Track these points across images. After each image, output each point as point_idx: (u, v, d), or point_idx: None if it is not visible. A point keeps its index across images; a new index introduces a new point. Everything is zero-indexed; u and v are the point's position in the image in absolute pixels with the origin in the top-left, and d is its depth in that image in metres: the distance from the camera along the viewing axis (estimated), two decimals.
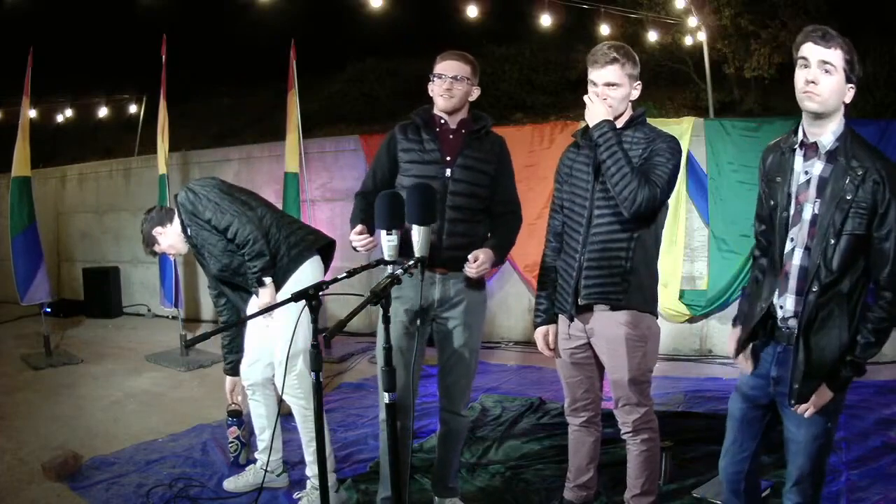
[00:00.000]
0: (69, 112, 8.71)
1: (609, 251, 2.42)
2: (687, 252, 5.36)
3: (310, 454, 3.01)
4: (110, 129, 10.44)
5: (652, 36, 7.62)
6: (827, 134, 1.96)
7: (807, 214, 2.00)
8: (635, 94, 2.44)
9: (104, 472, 3.38)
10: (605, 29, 6.94)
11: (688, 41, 7.46)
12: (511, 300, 5.99)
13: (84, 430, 3.99)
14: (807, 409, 2.00)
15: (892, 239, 1.90)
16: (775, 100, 7.72)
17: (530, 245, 5.55)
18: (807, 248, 2.00)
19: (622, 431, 2.59)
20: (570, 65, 9.25)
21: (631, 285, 2.42)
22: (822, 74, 1.92)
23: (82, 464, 3.44)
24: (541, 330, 2.68)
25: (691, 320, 5.33)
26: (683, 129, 5.19)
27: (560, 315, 2.62)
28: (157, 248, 3.22)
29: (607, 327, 2.48)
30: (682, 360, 5.25)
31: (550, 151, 5.60)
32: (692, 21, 7.00)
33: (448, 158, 2.62)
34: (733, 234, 5.11)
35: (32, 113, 6.24)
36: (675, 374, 4.82)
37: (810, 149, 2.00)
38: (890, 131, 4.81)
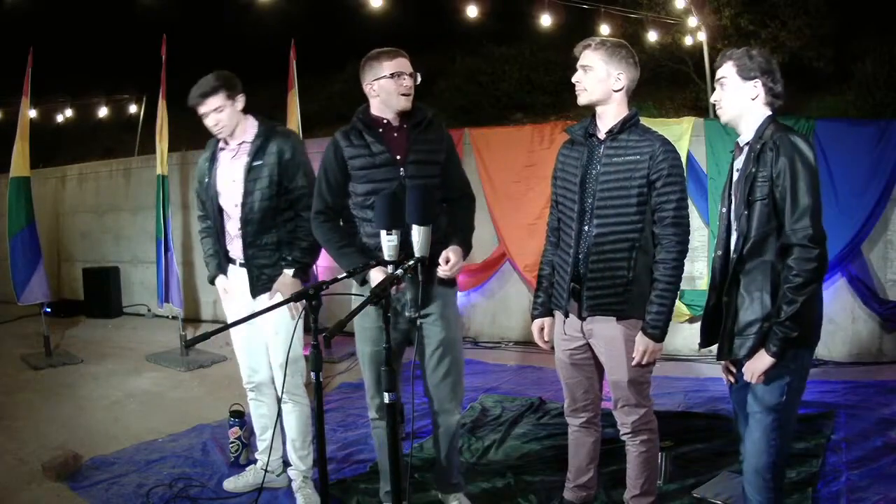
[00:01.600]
0: (69, 112, 8.71)
1: (611, 261, 2.42)
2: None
3: (304, 448, 3.03)
4: (110, 129, 10.43)
5: (652, 36, 7.61)
6: (747, 132, 2.21)
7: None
8: (616, 83, 2.40)
9: (104, 472, 3.38)
10: (605, 29, 6.93)
11: (688, 41, 7.46)
12: (511, 300, 5.99)
13: (84, 430, 3.99)
14: (751, 375, 2.14)
15: (787, 199, 2.05)
16: None
17: (530, 245, 5.57)
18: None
19: (621, 432, 2.59)
20: (570, 65, 9.18)
21: (633, 294, 2.42)
22: (719, 90, 2.23)
23: (82, 464, 3.44)
24: (536, 323, 2.71)
25: (691, 320, 5.32)
26: (683, 129, 5.18)
27: (556, 311, 2.63)
28: (206, 105, 2.88)
29: (605, 328, 2.48)
30: (682, 360, 5.25)
31: (550, 151, 5.60)
32: (692, 21, 7.00)
33: (398, 157, 2.58)
34: None
35: (33, 113, 6.24)
36: (675, 373, 4.83)
37: (737, 148, 2.26)
38: (890, 131, 4.81)
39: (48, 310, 5.91)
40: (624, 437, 2.59)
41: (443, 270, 2.55)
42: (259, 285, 2.95)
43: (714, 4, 7.42)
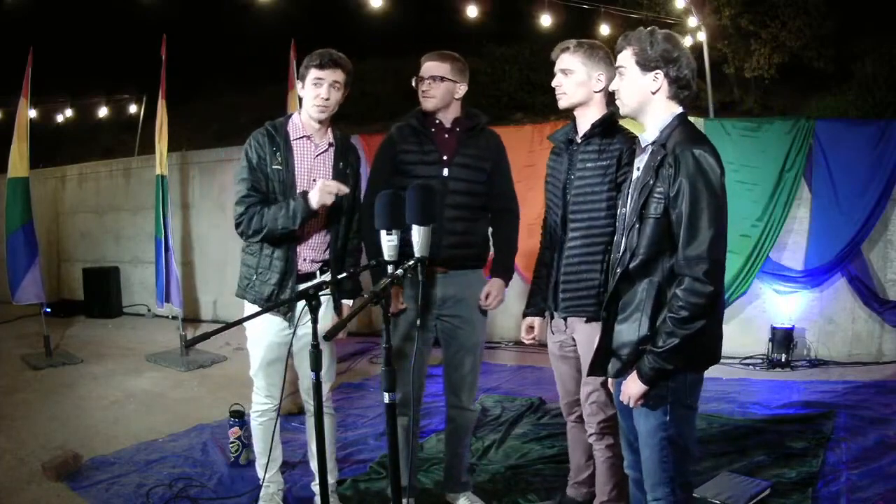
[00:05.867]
0: (69, 112, 8.71)
1: (583, 266, 2.46)
2: None
3: (332, 460, 2.90)
4: (110, 129, 10.44)
5: None
6: (650, 129, 1.98)
7: None
8: (598, 84, 2.44)
9: (104, 472, 3.37)
10: (605, 29, 6.93)
11: (688, 41, 7.45)
12: (511, 300, 5.93)
13: (84, 430, 3.99)
14: (626, 399, 1.97)
15: (684, 225, 1.83)
16: (775, 100, 7.71)
17: (530, 245, 5.53)
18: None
19: (588, 433, 2.59)
20: None
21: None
22: (618, 80, 2.01)
23: (82, 464, 3.44)
24: (526, 321, 2.76)
25: None
26: None
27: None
28: (332, 74, 2.59)
29: (582, 327, 2.52)
30: None
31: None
32: (692, 21, 7.00)
33: (444, 158, 2.65)
34: (733, 234, 5.04)
35: (32, 113, 6.23)
36: None
37: (639, 146, 2.06)
38: (890, 131, 4.81)
39: (48, 310, 5.91)
40: (590, 439, 2.59)
41: (483, 304, 2.70)
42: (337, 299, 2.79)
43: (714, 4, 7.41)
